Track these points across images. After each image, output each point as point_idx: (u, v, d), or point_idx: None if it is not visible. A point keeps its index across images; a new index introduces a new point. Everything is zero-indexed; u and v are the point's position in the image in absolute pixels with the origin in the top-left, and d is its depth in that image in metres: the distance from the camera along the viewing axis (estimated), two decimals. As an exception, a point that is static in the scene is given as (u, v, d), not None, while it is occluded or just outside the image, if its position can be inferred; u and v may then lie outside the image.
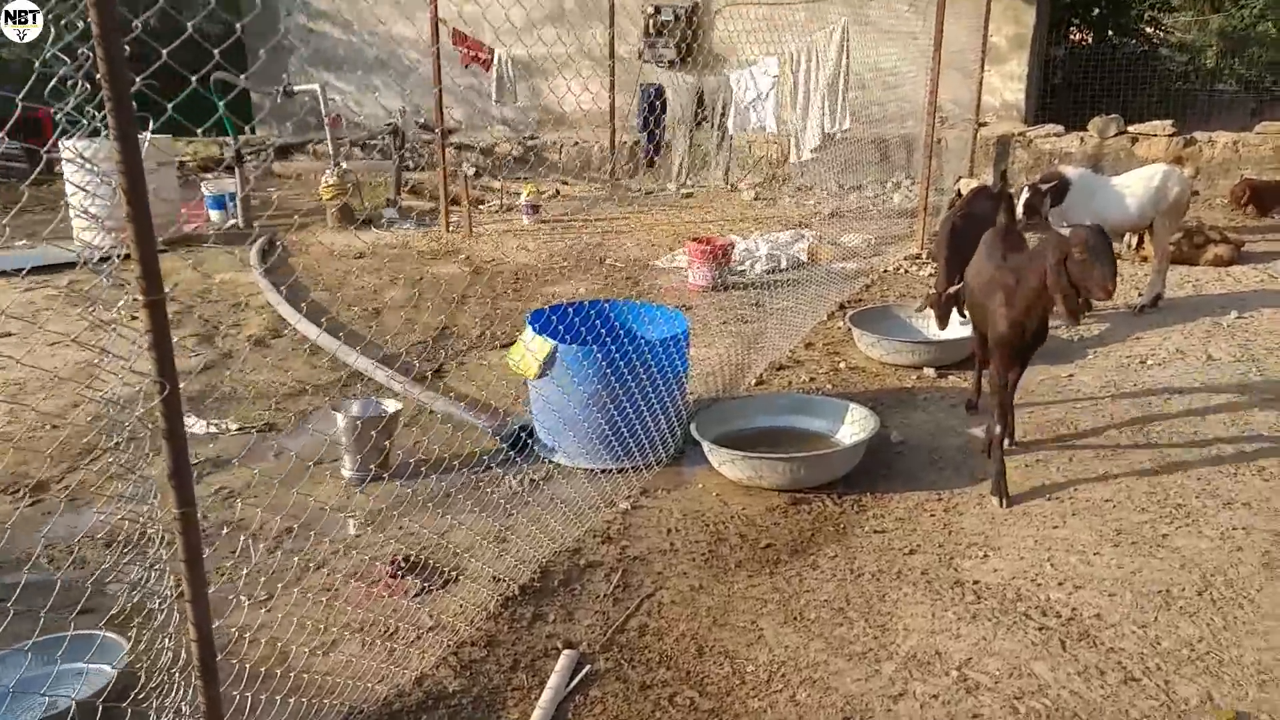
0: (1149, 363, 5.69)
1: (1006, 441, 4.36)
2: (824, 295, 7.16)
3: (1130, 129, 11.03)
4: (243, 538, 3.69)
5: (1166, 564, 3.55)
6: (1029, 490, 4.15)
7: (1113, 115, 11.18)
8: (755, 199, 11.46)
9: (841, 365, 5.80)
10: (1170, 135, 10.85)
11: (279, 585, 3.37)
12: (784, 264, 8.12)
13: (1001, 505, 4.01)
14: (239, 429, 4.84)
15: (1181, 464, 4.37)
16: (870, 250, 8.62)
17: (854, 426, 4.54)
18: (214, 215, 10.25)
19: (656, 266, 8.34)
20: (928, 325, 5.89)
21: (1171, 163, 8.80)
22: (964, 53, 10.98)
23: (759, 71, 9.02)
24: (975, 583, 3.46)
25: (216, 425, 4.85)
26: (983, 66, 11.21)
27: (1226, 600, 3.33)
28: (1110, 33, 16.48)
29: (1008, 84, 11.86)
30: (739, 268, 7.98)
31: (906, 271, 7.98)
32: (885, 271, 7.97)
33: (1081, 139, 11.14)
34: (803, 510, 4.04)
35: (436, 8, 8.95)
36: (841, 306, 6.98)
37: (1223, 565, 3.54)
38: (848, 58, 8.43)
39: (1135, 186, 6.55)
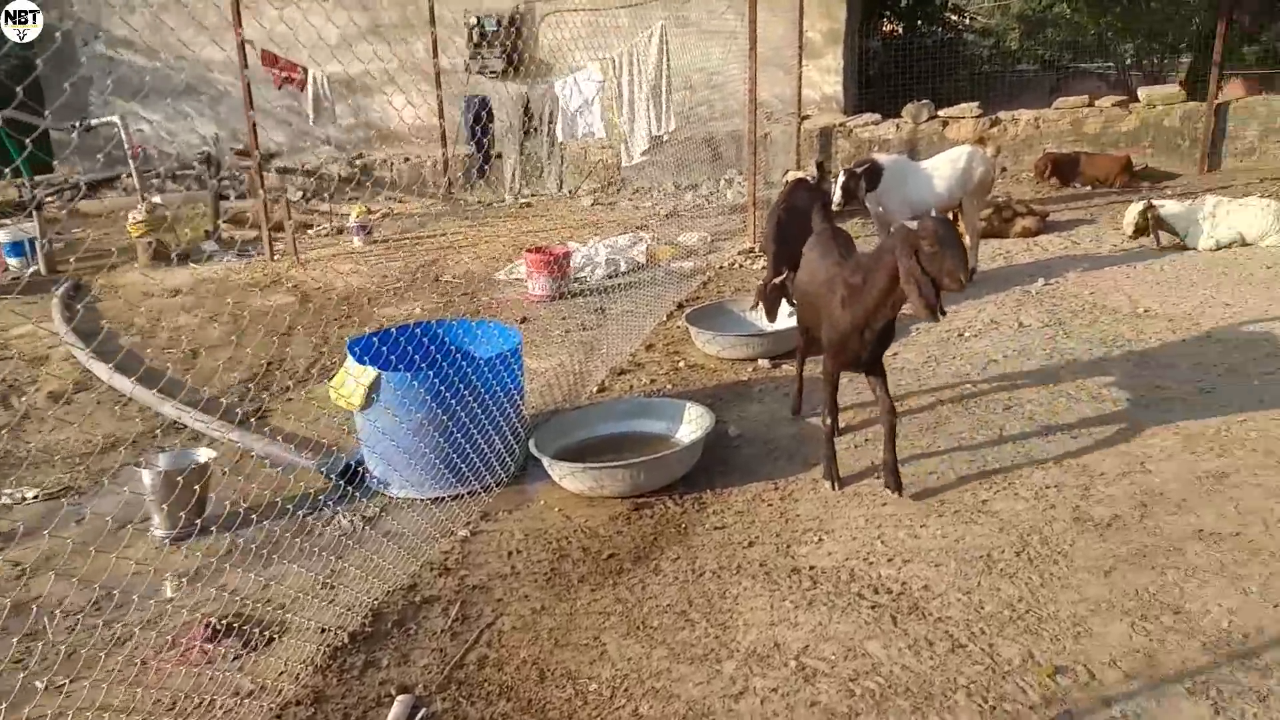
0: (966, 335, 5.97)
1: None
2: (663, 296, 7.21)
3: (941, 113, 11.61)
4: (35, 615, 3.36)
5: (987, 528, 3.70)
6: (860, 471, 4.25)
7: (924, 101, 11.75)
8: (593, 204, 11.46)
9: (681, 364, 5.83)
10: (977, 116, 11.50)
11: (79, 665, 3.08)
12: (623, 267, 8.13)
13: (834, 488, 4.09)
14: (35, 496, 4.43)
15: (998, 429, 4.58)
16: (706, 248, 8.75)
17: (691, 425, 4.55)
18: (13, 263, 9.43)
19: (496, 280, 8.20)
20: (760, 318, 6.00)
21: (975, 143, 9.29)
22: (782, 49, 11.31)
23: (583, 78, 9.00)
24: (811, 568, 3.51)
25: (10, 495, 4.43)
26: (800, 62, 11.58)
27: (1042, 558, 3.48)
28: (919, 22, 17.33)
29: (826, 77, 12.27)
30: (579, 275, 7.94)
31: (741, 266, 8.12)
32: (721, 268, 8.09)
33: (897, 125, 11.66)
34: (645, 515, 4.01)
35: (241, 28, 8.52)
36: (680, 305, 7.03)
37: (1038, 524, 3.71)
38: (668, 60, 8.52)
39: (943, 169, 6.86)
